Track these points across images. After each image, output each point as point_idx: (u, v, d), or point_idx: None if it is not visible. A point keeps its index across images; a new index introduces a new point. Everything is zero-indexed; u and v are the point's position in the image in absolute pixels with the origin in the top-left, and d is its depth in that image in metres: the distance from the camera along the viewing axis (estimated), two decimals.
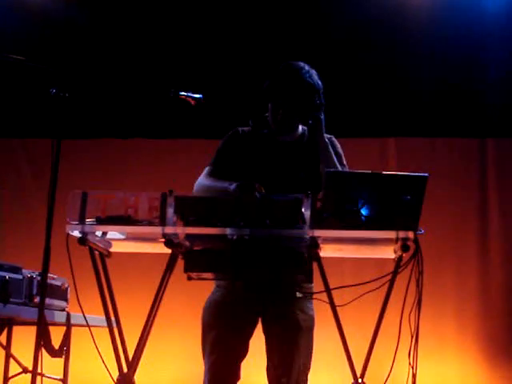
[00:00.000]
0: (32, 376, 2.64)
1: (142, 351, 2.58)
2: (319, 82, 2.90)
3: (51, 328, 3.79)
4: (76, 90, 2.69)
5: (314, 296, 2.73)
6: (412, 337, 2.37)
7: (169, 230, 2.44)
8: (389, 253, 2.54)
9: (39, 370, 2.67)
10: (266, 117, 2.96)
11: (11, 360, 4.26)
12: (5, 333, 4.12)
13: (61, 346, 3.92)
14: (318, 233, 2.38)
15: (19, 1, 5.50)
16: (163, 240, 2.47)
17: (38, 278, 3.72)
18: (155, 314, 2.60)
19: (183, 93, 2.81)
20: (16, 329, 4.19)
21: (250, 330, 2.85)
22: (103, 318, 2.60)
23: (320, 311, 2.84)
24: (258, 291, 2.76)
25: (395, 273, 2.43)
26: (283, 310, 2.79)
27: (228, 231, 2.43)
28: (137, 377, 2.56)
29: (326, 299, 2.47)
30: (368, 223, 2.34)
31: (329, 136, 2.96)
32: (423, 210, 2.35)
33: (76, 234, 2.50)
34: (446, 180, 5.80)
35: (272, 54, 5.53)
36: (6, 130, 6.08)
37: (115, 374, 2.52)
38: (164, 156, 6.00)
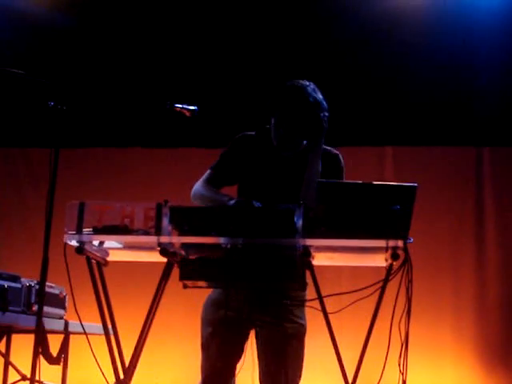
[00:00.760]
0: (30, 383, 2.68)
1: (138, 358, 2.62)
2: (324, 103, 2.87)
3: (49, 336, 3.83)
4: (73, 103, 2.74)
5: (309, 304, 2.76)
6: (402, 344, 2.40)
7: (164, 239, 2.49)
8: (380, 261, 2.57)
9: (37, 378, 2.71)
10: (269, 129, 2.96)
11: (10, 368, 4.29)
12: (4, 341, 4.15)
13: (59, 354, 3.96)
14: (309, 242, 2.43)
15: (17, 14, 5.55)
16: (159, 249, 2.52)
17: (37, 286, 3.76)
18: (151, 322, 2.64)
19: (179, 105, 2.87)
20: (15, 337, 4.23)
21: (244, 332, 2.85)
22: (100, 325, 2.64)
23: (315, 319, 2.87)
24: (247, 299, 2.78)
25: (386, 281, 2.47)
26: (271, 318, 2.79)
27: (222, 240, 2.48)
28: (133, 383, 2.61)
29: (319, 307, 2.51)
30: (359, 232, 2.38)
31: (335, 153, 2.98)
32: (420, 218, 2.40)
33: (74, 243, 2.54)
34: (443, 188, 5.84)
35: (269, 63, 5.62)
36: (5, 139, 6.12)
37: (112, 381, 2.56)
38: (162, 165, 6.01)
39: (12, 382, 4.27)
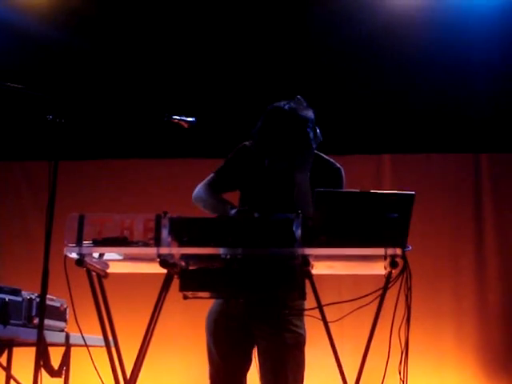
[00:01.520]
0: None
1: (139, 370, 2.62)
2: (306, 117, 2.80)
3: (50, 348, 3.82)
4: (72, 116, 2.75)
5: (309, 313, 2.76)
6: (402, 352, 2.41)
7: (163, 250, 2.51)
8: (379, 269, 2.58)
9: None
10: None
11: (12, 381, 4.28)
12: (5, 354, 4.15)
13: (60, 366, 3.95)
14: (308, 251, 2.44)
15: (15, 28, 5.57)
16: (159, 260, 2.53)
17: (37, 299, 3.76)
18: (152, 333, 2.65)
19: (176, 117, 2.89)
20: (16, 350, 4.22)
21: (247, 340, 2.85)
22: (101, 337, 2.65)
23: (316, 327, 2.87)
24: (247, 309, 2.79)
25: (385, 289, 2.49)
26: (270, 328, 2.79)
27: (221, 251, 2.50)
28: None
29: (319, 316, 2.52)
30: (357, 241, 2.39)
31: (337, 167, 2.97)
32: (419, 224, 2.41)
33: (74, 255, 2.55)
34: (441, 195, 5.85)
35: (268, 73, 5.64)
36: (4, 152, 6.14)
37: None
38: (161, 175, 6.03)
39: None
